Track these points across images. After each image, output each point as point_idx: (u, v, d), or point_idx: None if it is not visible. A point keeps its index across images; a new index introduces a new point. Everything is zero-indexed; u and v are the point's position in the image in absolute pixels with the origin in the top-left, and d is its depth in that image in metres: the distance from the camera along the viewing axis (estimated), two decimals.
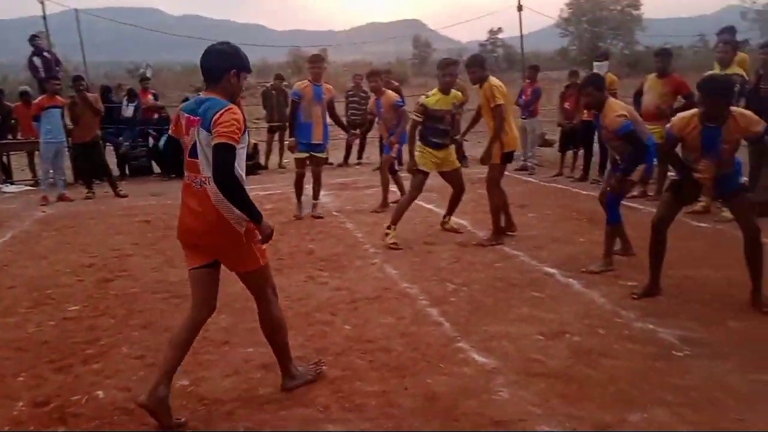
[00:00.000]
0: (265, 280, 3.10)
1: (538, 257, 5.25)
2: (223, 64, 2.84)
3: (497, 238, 5.75)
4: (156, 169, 11.49)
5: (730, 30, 7.54)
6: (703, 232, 5.88)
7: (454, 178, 6.21)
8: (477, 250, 5.57)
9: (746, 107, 6.46)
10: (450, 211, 6.38)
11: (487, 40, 60.74)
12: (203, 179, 2.80)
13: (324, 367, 3.34)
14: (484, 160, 5.81)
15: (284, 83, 12.90)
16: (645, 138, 4.79)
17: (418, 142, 6.04)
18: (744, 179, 4.22)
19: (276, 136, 11.74)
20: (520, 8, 14.17)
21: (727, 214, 6.25)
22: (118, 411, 3.03)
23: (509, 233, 5.92)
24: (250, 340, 3.79)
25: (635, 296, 4.25)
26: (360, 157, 11.90)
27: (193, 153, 2.81)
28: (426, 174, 6.00)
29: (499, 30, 59.83)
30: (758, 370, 3.17)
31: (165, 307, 4.45)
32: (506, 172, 6.13)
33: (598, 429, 2.74)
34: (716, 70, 6.60)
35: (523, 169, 10.01)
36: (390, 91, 7.72)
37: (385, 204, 7.42)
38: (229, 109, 2.75)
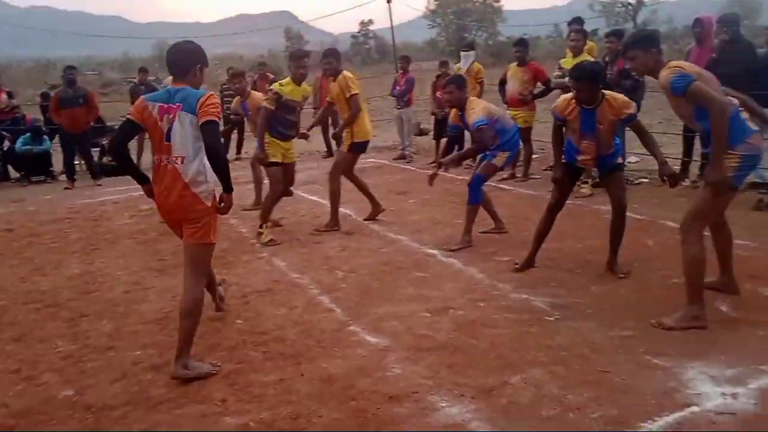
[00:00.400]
0: (209, 257, 3.44)
1: (420, 240, 5.50)
2: (191, 60, 3.29)
3: (333, 224, 5.95)
4: (13, 173, 10.62)
5: (579, 20, 8.20)
6: (566, 208, 6.39)
7: (289, 173, 6.11)
8: (362, 237, 5.73)
9: None
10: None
11: (359, 32, 61.36)
12: (174, 159, 3.17)
13: (219, 366, 3.34)
14: (335, 136, 6.04)
15: (151, 77, 12.41)
16: (506, 126, 5.21)
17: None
18: (620, 160, 4.64)
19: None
20: (389, 0, 14.51)
21: (585, 190, 6.88)
22: None
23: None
24: (136, 343, 3.70)
25: (517, 267, 4.57)
26: (239, 152, 11.70)
27: (168, 137, 3.16)
28: (280, 165, 5.86)
29: (370, 22, 60.65)
30: (616, 327, 3.55)
31: (38, 318, 4.21)
32: (386, 161, 6.33)
33: (483, 392, 2.96)
34: (569, 58, 7.18)
35: (401, 157, 10.31)
36: (256, 93, 7.32)
37: (258, 201, 7.12)
38: (211, 95, 3.20)
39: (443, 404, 2.87)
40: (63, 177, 10.13)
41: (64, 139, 9.80)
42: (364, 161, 10.10)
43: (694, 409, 2.72)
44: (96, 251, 5.77)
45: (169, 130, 3.16)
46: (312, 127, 6.65)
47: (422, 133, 12.51)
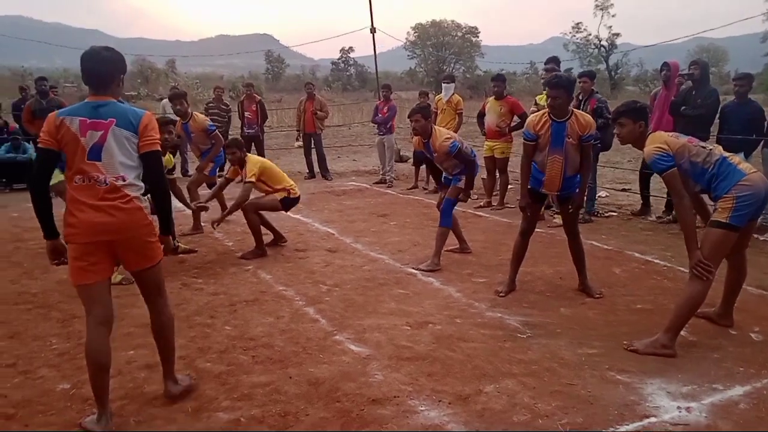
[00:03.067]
0: (161, 274, 3.12)
1: (401, 259, 5.74)
2: (115, 69, 2.92)
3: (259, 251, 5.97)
4: None
5: (555, 60, 8.62)
6: (539, 236, 6.70)
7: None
8: (345, 255, 5.95)
9: None
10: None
11: (339, 59, 62.16)
12: (112, 179, 2.82)
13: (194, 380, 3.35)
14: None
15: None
16: (470, 153, 5.56)
17: None
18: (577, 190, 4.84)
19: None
20: (373, 30, 14.84)
21: (557, 220, 7.21)
22: None
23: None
24: (129, 343, 3.84)
25: (501, 294, 4.75)
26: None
27: (93, 155, 2.80)
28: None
29: (351, 49, 61.55)
30: (583, 345, 3.81)
31: (30, 318, 4.31)
32: (366, 185, 6.58)
33: (460, 398, 3.18)
34: (544, 95, 7.56)
35: (382, 182, 10.58)
36: (200, 115, 7.39)
37: (196, 227, 6.96)
38: (151, 115, 2.94)
39: (422, 408, 3.07)
40: None
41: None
42: (345, 185, 10.39)
43: (652, 419, 2.97)
44: None
45: (94, 147, 2.80)
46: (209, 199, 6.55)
47: (402, 159, 12.87)
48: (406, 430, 2.88)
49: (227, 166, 6.39)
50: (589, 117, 4.66)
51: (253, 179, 5.85)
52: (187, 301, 4.62)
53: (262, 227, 6.02)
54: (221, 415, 3.01)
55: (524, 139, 4.72)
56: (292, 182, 6.20)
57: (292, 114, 13.77)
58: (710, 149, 3.76)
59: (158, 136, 2.92)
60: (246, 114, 11.09)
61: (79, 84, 42.50)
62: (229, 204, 6.49)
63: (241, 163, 6.02)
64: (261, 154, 11.06)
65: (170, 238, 3.07)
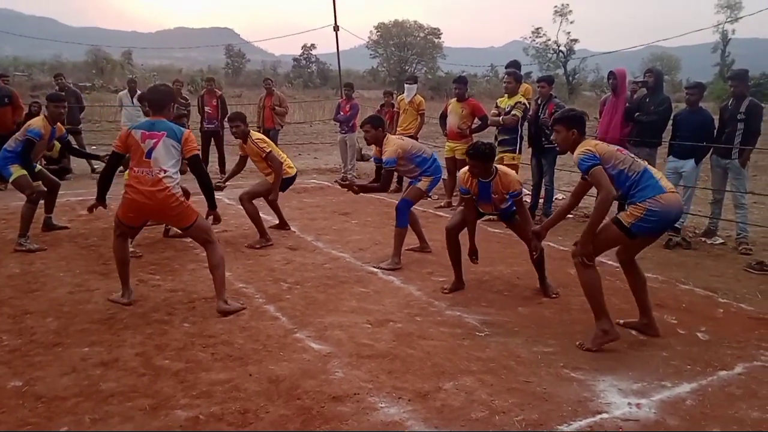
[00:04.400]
0: (204, 229, 4.37)
1: (362, 258, 5.77)
2: (167, 100, 4.43)
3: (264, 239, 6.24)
4: None
5: (515, 64, 8.78)
6: (497, 236, 6.84)
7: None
8: (306, 253, 5.94)
9: (529, 133, 7.68)
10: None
11: (301, 55, 61.69)
12: (158, 171, 4.14)
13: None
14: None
15: (70, 82, 12.32)
16: (425, 156, 5.71)
17: None
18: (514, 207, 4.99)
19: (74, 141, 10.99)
20: (336, 28, 14.82)
21: None
22: None
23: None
24: (84, 340, 3.76)
25: (445, 291, 4.90)
26: None
27: (149, 155, 4.15)
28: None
29: (313, 46, 61.15)
30: (539, 343, 3.90)
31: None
32: (328, 183, 6.63)
33: (419, 395, 3.22)
34: (505, 99, 7.70)
35: (344, 180, 10.56)
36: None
37: None
38: (189, 132, 4.36)
39: (382, 405, 3.10)
40: None
41: None
42: (306, 182, 10.35)
43: (604, 415, 3.07)
44: (36, 253, 5.71)
45: (150, 150, 4.16)
46: (227, 179, 6.84)
47: (363, 158, 12.89)
48: (366, 429, 2.90)
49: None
50: (512, 176, 4.80)
51: (269, 149, 6.22)
52: (145, 298, 4.55)
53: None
54: (179, 412, 2.98)
55: (461, 193, 4.92)
56: (288, 161, 6.49)
57: (252, 109, 13.64)
58: (636, 160, 3.92)
59: (196, 145, 4.38)
60: (206, 109, 10.93)
61: (30, 73, 41.18)
62: None
63: (245, 137, 6.23)
64: (221, 149, 10.94)
65: (217, 211, 4.51)
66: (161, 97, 4.38)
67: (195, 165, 4.33)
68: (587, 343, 3.86)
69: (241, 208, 6.42)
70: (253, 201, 6.32)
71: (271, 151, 6.25)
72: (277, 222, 6.82)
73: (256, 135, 6.40)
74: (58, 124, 6.23)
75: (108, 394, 3.13)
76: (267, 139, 6.48)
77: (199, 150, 4.39)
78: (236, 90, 37.52)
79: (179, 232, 5.89)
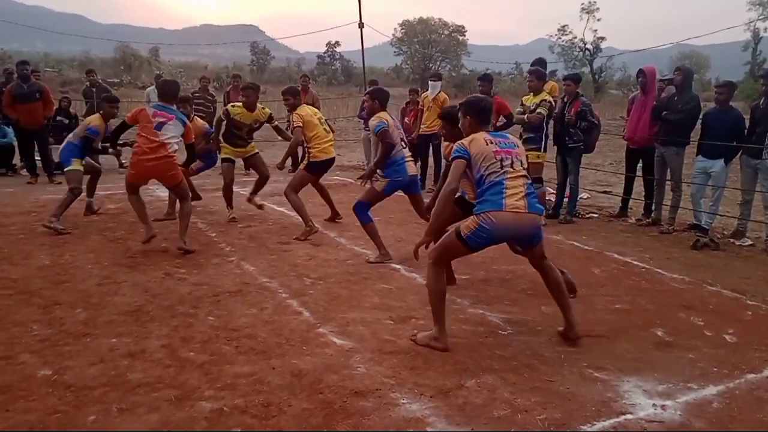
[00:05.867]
0: (184, 188, 5.81)
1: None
2: (178, 92, 5.97)
3: (308, 229, 6.36)
4: None
5: (541, 62, 8.69)
6: None
7: (257, 164, 7.26)
8: (329, 249, 5.97)
9: (554, 131, 7.61)
10: (254, 191, 7.32)
11: (325, 53, 61.87)
12: (164, 141, 5.47)
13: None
14: (279, 166, 6.64)
15: (100, 78, 12.58)
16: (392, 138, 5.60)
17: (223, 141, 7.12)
18: None
19: None
20: (361, 25, 14.83)
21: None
22: None
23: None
24: (112, 331, 3.83)
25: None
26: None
27: (158, 128, 5.47)
28: (232, 162, 7.16)
29: (337, 43, 61.27)
30: (562, 343, 3.87)
31: (10, 303, 4.27)
32: (351, 180, 6.64)
33: (441, 392, 3.22)
34: (530, 97, 7.63)
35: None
36: (199, 120, 7.79)
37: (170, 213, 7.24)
38: (194, 120, 5.90)
39: (404, 401, 3.10)
40: (25, 171, 10.03)
41: (22, 134, 9.69)
42: (329, 179, 10.37)
43: (628, 416, 3.04)
44: (65, 245, 5.83)
45: (160, 125, 5.48)
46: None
47: None
48: (388, 424, 2.91)
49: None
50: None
51: (298, 123, 6.32)
52: (170, 291, 4.61)
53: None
54: (204, 404, 3.02)
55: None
56: (325, 146, 6.47)
57: (276, 106, 13.72)
58: (506, 170, 3.71)
59: (193, 135, 5.93)
60: None
61: (60, 69, 41.93)
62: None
63: (294, 109, 6.46)
64: None
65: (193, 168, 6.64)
66: (172, 90, 5.85)
67: (192, 149, 5.94)
68: (419, 336, 3.81)
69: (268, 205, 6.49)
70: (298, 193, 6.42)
71: (297, 127, 6.30)
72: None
73: (302, 109, 6.45)
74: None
75: (135, 384, 3.18)
76: (308, 116, 6.40)
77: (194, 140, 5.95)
78: (261, 87, 37.76)
79: (170, 216, 6.93)
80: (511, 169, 3.73)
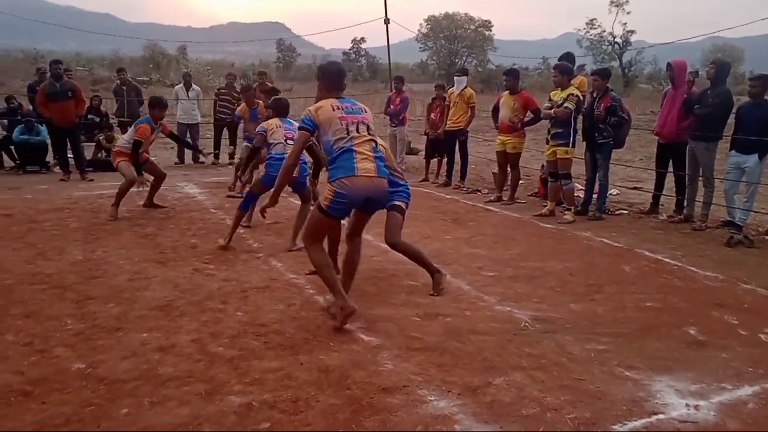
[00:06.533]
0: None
1: None
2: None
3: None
4: (7, 161, 10.70)
5: (569, 56, 8.57)
6: (550, 232, 6.74)
7: None
8: None
9: (583, 126, 7.52)
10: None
11: (350, 49, 62.00)
12: None
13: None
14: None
15: (130, 77, 12.79)
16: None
17: None
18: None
19: None
20: (387, 21, 14.79)
21: (568, 217, 7.22)
22: (14, 393, 3.02)
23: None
24: (143, 326, 3.89)
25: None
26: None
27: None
28: None
29: (362, 40, 61.38)
30: (592, 341, 3.82)
31: (45, 298, 4.36)
32: None
33: (469, 390, 3.20)
34: (558, 92, 7.53)
35: None
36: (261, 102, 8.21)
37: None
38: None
39: (432, 398, 3.09)
40: (57, 168, 10.24)
41: (55, 132, 9.89)
42: None
43: (660, 416, 2.98)
44: (97, 240, 5.94)
45: None
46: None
47: (413, 151, 12.87)
48: (415, 421, 2.90)
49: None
50: None
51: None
52: (199, 286, 4.67)
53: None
54: (233, 398, 3.04)
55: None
56: None
57: (303, 102, 13.78)
58: (353, 136, 3.79)
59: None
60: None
61: (91, 68, 42.70)
62: None
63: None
64: None
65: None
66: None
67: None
68: (329, 305, 3.98)
69: (292, 200, 6.52)
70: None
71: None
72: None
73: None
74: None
75: (166, 378, 3.22)
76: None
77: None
78: (287, 84, 37.96)
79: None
80: (357, 134, 3.82)
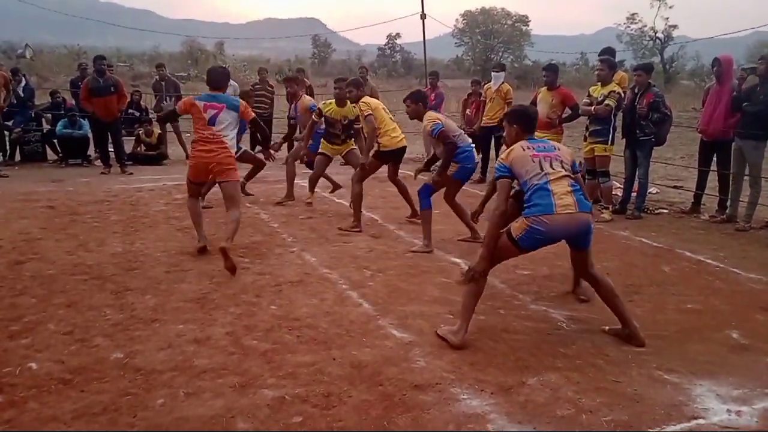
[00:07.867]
0: (237, 190, 5.34)
1: (445, 249, 5.73)
2: (226, 80, 5.47)
3: (356, 225, 6.37)
4: (50, 155, 11.00)
5: (610, 51, 8.39)
6: None
7: (350, 159, 7.36)
8: (389, 241, 5.98)
9: (623, 123, 7.36)
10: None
11: (385, 45, 61.93)
12: (218, 134, 5.10)
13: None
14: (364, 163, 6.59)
15: (170, 72, 12.97)
16: (457, 140, 5.62)
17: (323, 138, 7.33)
18: None
19: (169, 126, 11.41)
20: (423, 16, 14.70)
21: (606, 215, 7.08)
22: (54, 381, 3.10)
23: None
24: (179, 317, 3.95)
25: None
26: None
27: (211, 122, 5.09)
28: (328, 157, 7.37)
29: (398, 35, 61.22)
30: (628, 343, 3.75)
31: (86, 288, 4.47)
32: (410, 172, 6.66)
33: (502, 389, 3.17)
34: (598, 87, 7.38)
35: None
36: (306, 96, 8.14)
37: (290, 195, 7.71)
38: (246, 104, 5.38)
39: (464, 396, 3.06)
40: (98, 162, 10.48)
41: (97, 127, 10.11)
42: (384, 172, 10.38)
43: (701, 421, 2.90)
44: (135, 233, 6.07)
45: (213, 117, 5.10)
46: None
47: None
48: (448, 419, 2.88)
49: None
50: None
51: (368, 112, 6.38)
52: (234, 280, 4.71)
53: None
54: (266, 392, 3.07)
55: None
56: (394, 133, 6.57)
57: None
58: (547, 172, 3.66)
59: (251, 111, 5.44)
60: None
61: (131, 64, 43.54)
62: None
63: (357, 101, 6.56)
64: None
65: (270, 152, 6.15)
66: (221, 77, 5.36)
67: (255, 125, 5.55)
68: (449, 331, 3.71)
69: (326, 196, 6.55)
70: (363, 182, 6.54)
71: (369, 114, 6.36)
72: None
73: (368, 99, 6.59)
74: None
75: (200, 370, 3.27)
76: (376, 105, 6.53)
77: (254, 114, 5.48)
78: (322, 80, 38.14)
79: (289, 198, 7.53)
80: (552, 170, 3.69)
